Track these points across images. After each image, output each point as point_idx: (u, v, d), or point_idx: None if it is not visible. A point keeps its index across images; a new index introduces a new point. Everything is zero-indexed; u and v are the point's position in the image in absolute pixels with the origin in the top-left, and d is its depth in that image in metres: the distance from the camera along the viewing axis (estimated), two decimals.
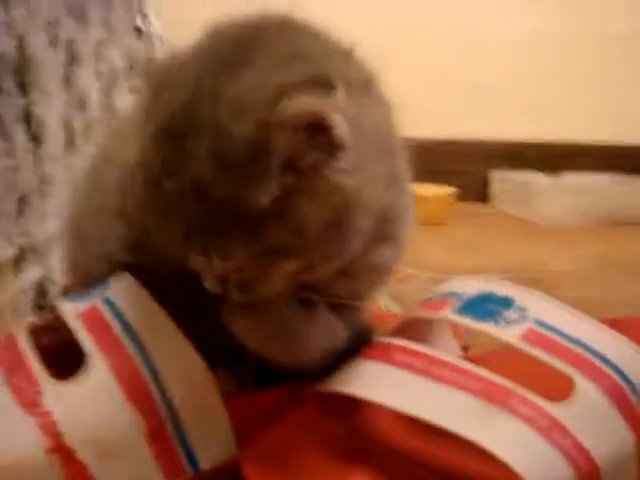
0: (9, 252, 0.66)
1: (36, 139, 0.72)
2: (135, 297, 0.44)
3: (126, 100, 1.23)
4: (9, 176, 0.64)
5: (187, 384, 0.42)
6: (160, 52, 1.43)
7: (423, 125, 1.65)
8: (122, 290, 0.45)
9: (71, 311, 0.44)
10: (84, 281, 0.50)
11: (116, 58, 1.09)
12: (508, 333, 0.44)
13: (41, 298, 0.75)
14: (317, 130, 0.35)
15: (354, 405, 0.47)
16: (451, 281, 0.50)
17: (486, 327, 0.44)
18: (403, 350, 0.44)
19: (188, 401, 0.42)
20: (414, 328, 0.50)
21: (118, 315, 0.43)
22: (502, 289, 0.47)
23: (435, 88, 1.67)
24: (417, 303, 0.50)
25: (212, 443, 0.43)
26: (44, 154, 0.74)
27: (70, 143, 0.84)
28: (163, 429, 0.41)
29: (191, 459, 0.42)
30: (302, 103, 0.34)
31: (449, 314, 0.46)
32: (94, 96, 0.95)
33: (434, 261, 1.08)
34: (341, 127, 0.35)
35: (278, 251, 0.37)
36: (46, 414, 0.39)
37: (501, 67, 1.72)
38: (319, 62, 0.38)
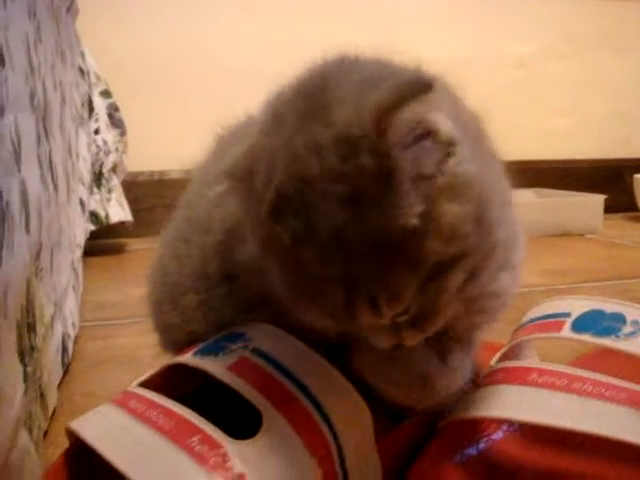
0: (51, 311, 0.62)
1: (56, 188, 0.68)
2: (284, 344, 0.43)
3: (84, 141, 1.18)
4: (49, 230, 0.61)
5: (353, 427, 0.42)
6: (97, 90, 1.39)
7: None
8: (267, 339, 0.44)
9: (215, 366, 0.42)
10: (182, 340, 0.49)
11: (76, 98, 1.05)
12: (630, 346, 0.46)
13: (65, 355, 0.71)
14: (429, 134, 0.35)
15: (482, 429, 0.48)
16: (550, 302, 0.52)
17: (607, 342, 0.47)
18: (540, 371, 0.45)
19: (353, 445, 0.42)
20: (512, 352, 0.53)
21: (274, 363, 0.42)
22: (608, 305, 0.49)
23: None
24: (521, 327, 0.52)
25: None
26: (59, 202, 0.71)
27: (68, 190, 0.80)
28: (336, 475, 0.41)
29: None
30: (405, 115, 0.33)
31: (570, 333, 0.48)
32: (73, 139, 0.91)
33: None
34: (447, 123, 0.35)
35: (441, 269, 0.36)
36: (240, 476, 0.37)
37: None
38: (399, 74, 0.37)
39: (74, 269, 0.89)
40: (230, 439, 0.38)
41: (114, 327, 0.93)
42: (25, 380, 0.47)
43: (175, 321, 0.49)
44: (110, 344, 0.86)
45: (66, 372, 0.72)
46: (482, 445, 0.47)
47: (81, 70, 1.28)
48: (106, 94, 1.45)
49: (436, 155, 0.35)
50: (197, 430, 0.39)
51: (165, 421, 0.40)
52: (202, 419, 0.40)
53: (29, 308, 0.50)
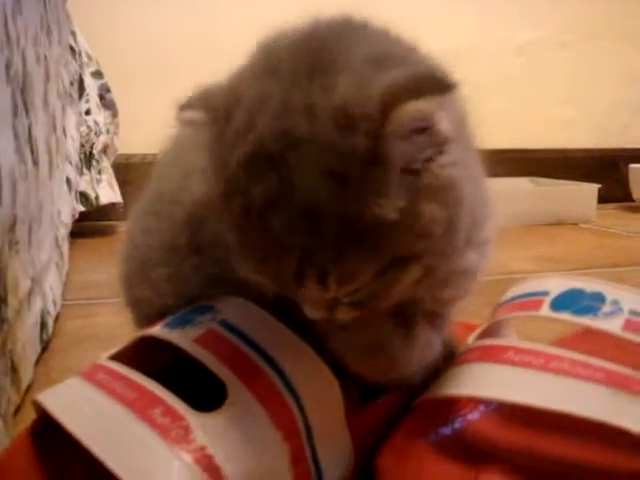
0: (27, 285, 0.61)
1: (35, 162, 0.67)
2: (252, 315, 0.42)
3: (72, 120, 1.17)
4: (25, 203, 0.60)
5: (322, 401, 0.41)
6: (88, 70, 1.38)
7: None
8: (235, 310, 0.43)
9: (182, 338, 0.42)
10: (153, 314, 0.48)
11: (65, 76, 1.04)
12: (609, 326, 0.45)
13: (44, 330, 0.70)
14: (426, 130, 0.34)
15: (458, 408, 0.47)
16: (530, 281, 0.52)
17: (586, 321, 0.46)
18: (516, 350, 0.45)
19: (322, 419, 0.41)
20: (490, 330, 0.52)
21: (241, 335, 0.41)
22: (589, 285, 0.49)
23: None
24: (500, 305, 0.52)
25: (336, 461, 0.42)
26: (40, 177, 0.70)
27: (51, 166, 0.79)
28: (303, 451, 0.40)
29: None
30: (414, 108, 0.32)
31: (548, 312, 0.47)
32: (59, 116, 0.90)
33: None
34: (446, 122, 0.35)
35: (400, 261, 0.35)
36: (201, 449, 0.36)
37: None
38: (408, 61, 0.36)
39: (58, 247, 0.88)
40: (193, 411, 0.38)
41: (97, 306, 0.92)
42: None
43: (145, 295, 0.49)
44: (92, 322, 0.85)
45: (45, 349, 0.72)
46: (457, 425, 0.46)
47: (72, 49, 1.27)
48: (98, 75, 1.44)
49: (427, 152, 0.34)
50: (160, 402, 0.38)
51: (128, 392, 0.39)
52: (166, 391, 0.39)
53: (0, 279, 0.49)
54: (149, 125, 1.69)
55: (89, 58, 1.41)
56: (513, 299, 0.50)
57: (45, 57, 0.79)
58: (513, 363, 0.43)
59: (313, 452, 0.40)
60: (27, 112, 0.63)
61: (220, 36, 1.73)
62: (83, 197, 1.36)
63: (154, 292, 0.48)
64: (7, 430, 0.48)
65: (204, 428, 0.37)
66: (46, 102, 0.79)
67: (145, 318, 0.49)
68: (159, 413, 0.38)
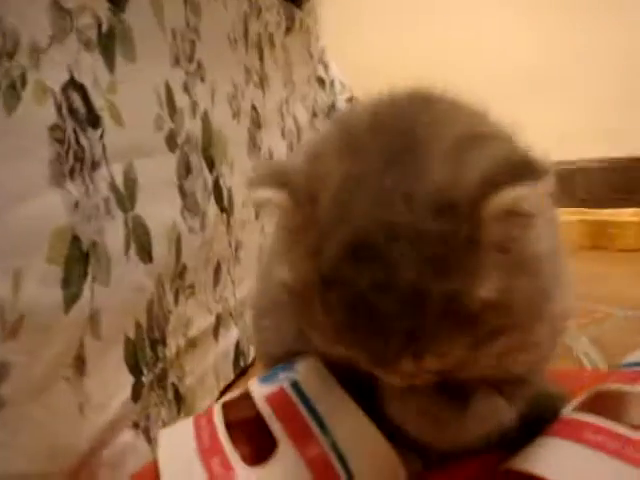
0: (208, 321, 0.70)
1: (225, 210, 0.75)
2: (321, 381, 0.45)
3: None
4: (206, 250, 0.68)
5: (374, 469, 0.42)
6: (342, 97, 1.48)
7: (609, 144, 1.55)
8: (308, 374, 0.46)
9: (259, 393, 0.46)
10: (267, 361, 0.54)
11: (300, 112, 1.13)
12: None
13: (241, 358, 0.79)
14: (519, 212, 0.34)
15: None
16: None
17: None
18: (597, 429, 0.41)
19: None
20: (607, 398, 0.47)
21: (304, 399, 0.44)
22: None
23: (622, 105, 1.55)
24: (611, 372, 0.47)
25: None
26: (234, 222, 0.78)
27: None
28: None
29: None
30: (511, 195, 0.32)
31: None
32: (281, 153, 0.99)
33: (630, 295, 0.99)
34: (533, 200, 0.34)
35: (491, 334, 0.35)
36: None
37: None
38: (496, 140, 0.37)
39: None
40: (243, 464, 0.42)
41: None
42: (139, 387, 0.55)
43: (258, 340, 0.56)
44: None
45: (244, 374, 0.80)
46: None
47: (322, 81, 1.36)
48: (351, 101, 1.53)
49: (517, 231, 0.35)
50: (221, 451, 0.43)
51: (207, 440, 0.45)
52: (228, 442, 0.44)
53: (153, 325, 0.58)
54: None
55: (342, 86, 1.50)
56: (624, 366, 0.45)
57: (254, 107, 0.89)
58: (589, 444, 0.40)
59: None
60: (212, 168, 0.72)
61: (465, 59, 1.72)
62: None
63: (261, 340, 0.54)
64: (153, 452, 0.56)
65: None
66: (254, 146, 0.88)
67: (260, 358, 0.56)
68: (217, 462, 0.43)
